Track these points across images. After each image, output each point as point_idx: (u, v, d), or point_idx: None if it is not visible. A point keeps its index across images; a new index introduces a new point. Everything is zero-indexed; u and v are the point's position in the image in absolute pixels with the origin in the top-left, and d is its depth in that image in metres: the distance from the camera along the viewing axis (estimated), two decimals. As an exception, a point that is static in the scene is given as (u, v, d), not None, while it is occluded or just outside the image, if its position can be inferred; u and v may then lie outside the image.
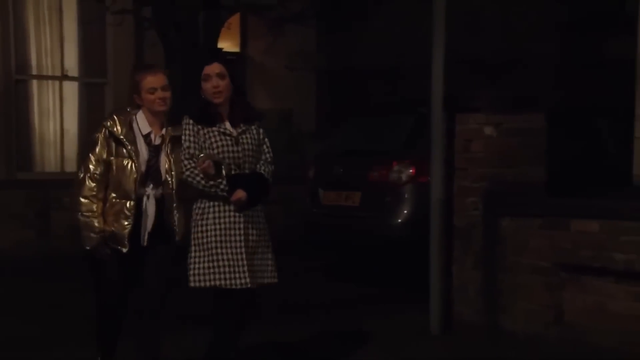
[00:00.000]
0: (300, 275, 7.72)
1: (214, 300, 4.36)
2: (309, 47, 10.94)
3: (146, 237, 4.37)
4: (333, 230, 7.39)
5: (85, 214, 4.34)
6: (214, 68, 4.35)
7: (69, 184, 10.77)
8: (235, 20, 11.10)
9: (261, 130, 4.50)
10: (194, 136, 4.37)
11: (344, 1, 10.74)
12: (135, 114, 4.44)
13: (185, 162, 4.35)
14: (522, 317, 5.50)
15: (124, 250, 4.32)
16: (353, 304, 6.67)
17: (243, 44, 11.35)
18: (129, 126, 4.40)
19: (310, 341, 5.59)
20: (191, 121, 4.39)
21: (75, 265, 8.40)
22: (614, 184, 6.30)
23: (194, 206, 4.40)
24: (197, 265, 4.32)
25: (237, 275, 4.28)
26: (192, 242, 4.34)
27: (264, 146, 4.50)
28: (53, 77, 10.14)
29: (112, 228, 4.34)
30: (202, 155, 4.31)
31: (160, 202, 4.41)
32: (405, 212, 6.96)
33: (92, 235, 4.33)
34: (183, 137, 4.38)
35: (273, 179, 4.46)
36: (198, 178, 4.31)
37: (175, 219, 4.42)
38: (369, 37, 10.75)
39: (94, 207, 4.35)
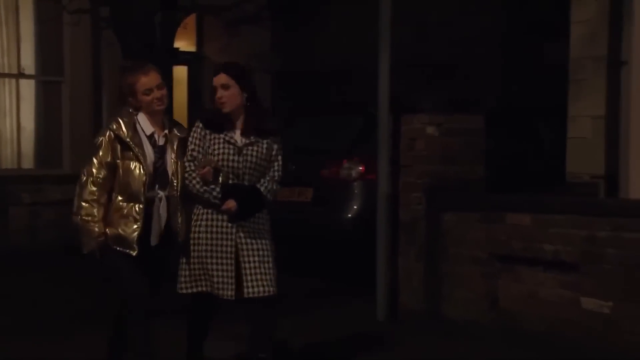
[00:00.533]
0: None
1: (191, 301, 4.50)
2: (264, 47, 11.33)
3: (157, 237, 4.35)
4: (286, 224, 7.81)
5: (84, 217, 4.33)
6: (219, 79, 4.42)
7: (26, 180, 11.01)
8: (191, 20, 11.45)
9: (275, 147, 4.52)
10: (199, 140, 4.44)
11: (298, 3, 11.15)
12: (137, 115, 4.43)
13: (186, 164, 4.42)
14: (461, 304, 5.98)
15: (133, 253, 4.30)
16: (303, 295, 7.10)
17: (199, 43, 11.70)
18: (133, 128, 4.39)
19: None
20: (200, 125, 4.47)
21: (33, 261, 8.72)
22: (549, 181, 6.84)
23: (193, 212, 4.46)
24: (185, 272, 4.43)
25: (222, 286, 4.35)
26: (183, 248, 4.43)
27: (275, 163, 4.53)
28: (10, 75, 10.39)
29: (120, 232, 4.33)
30: (202, 160, 4.38)
31: (167, 202, 4.41)
32: (355, 207, 7.40)
33: (91, 240, 4.32)
34: (189, 140, 4.45)
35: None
36: (194, 182, 4.39)
37: (179, 220, 4.43)
38: (323, 39, 11.18)
39: (95, 211, 4.33)
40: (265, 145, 4.47)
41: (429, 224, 6.16)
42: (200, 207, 4.44)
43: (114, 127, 4.37)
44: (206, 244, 4.39)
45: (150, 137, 4.41)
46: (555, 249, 5.45)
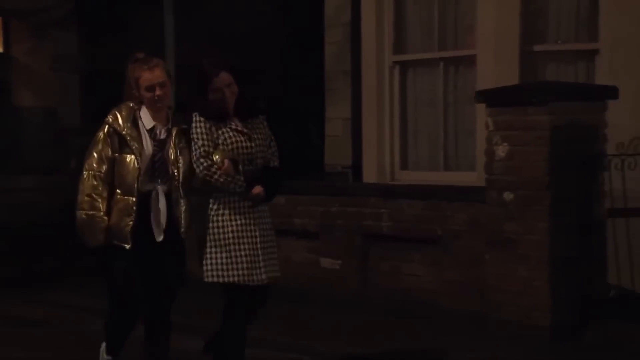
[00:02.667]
0: (68, 251, 9.66)
1: (224, 295, 4.67)
2: (72, 50, 12.76)
3: (161, 233, 4.50)
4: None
5: (88, 212, 4.46)
6: (224, 80, 4.63)
7: None
8: (-3, 23, 12.72)
9: (265, 124, 4.80)
10: (207, 134, 4.60)
11: (104, 9, 12.68)
12: (139, 109, 4.56)
13: (202, 160, 4.55)
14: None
15: (127, 247, 4.43)
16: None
17: (6, 45, 12.96)
18: (132, 122, 4.51)
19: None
20: (202, 118, 4.62)
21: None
22: (314, 170, 8.85)
23: (210, 202, 4.63)
24: (213, 261, 4.59)
25: (254, 271, 4.60)
26: (208, 238, 4.59)
27: (271, 140, 4.81)
28: None
29: (116, 225, 4.46)
30: (217, 155, 4.56)
31: (167, 196, 4.55)
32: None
33: (96, 234, 4.47)
34: (194, 135, 4.59)
35: None
36: (216, 176, 4.56)
37: (181, 212, 4.56)
38: (130, 42, 12.80)
39: (99, 205, 4.47)
40: (261, 125, 4.77)
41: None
42: (220, 197, 4.61)
43: (111, 120, 4.52)
44: (232, 232, 4.60)
45: (151, 131, 4.55)
46: (302, 222, 7.46)
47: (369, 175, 8.04)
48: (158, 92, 4.50)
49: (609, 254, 5.98)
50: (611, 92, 5.99)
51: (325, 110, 8.72)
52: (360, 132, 8.31)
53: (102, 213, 4.46)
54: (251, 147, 4.64)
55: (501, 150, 5.93)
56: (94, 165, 4.50)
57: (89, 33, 13.15)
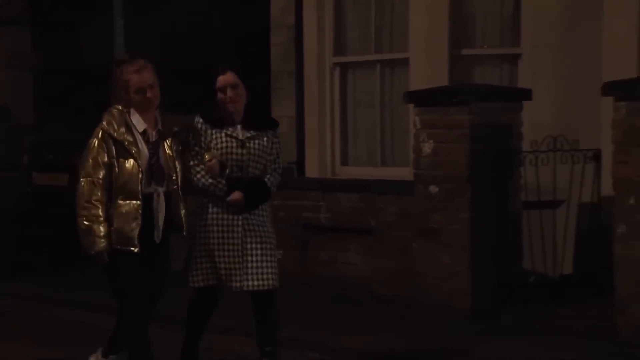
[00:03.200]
0: (22, 242, 10.14)
1: (196, 296, 4.83)
2: (25, 48, 13.18)
3: (160, 233, 4.58)
4: (45, 204, 9.91)
5: (90, 218, 4.47)
6: (228, 79, 4.71)
7: None
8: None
9: (276, 140, 4.85)
10: (202, 136, 4.71)
11: (58, 8, 13.10)
12: (129, 112, 4.61)
13: (191, 159, 4.69)
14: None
15: (135, 250, 4.49)
16: (61, 263, 9.26)
17: (-43, 42, 13.35)
18: (125, 126, 4.56)
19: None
20: (201, 120, 4.75)
21: None
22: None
23: (196, 204, 4.74)
24: (196, 266, 4.72)
25: (232, 277, 4.66)
26: (192, 242, 4.71)
27: (276, 155, 4.85)
28: None
29: (121, 230, 4.48)
30: (207, 155, 4.66)
31: (166, 198, 4.62)
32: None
33: (97, 239, 4.47)
34: (190, 135, 4.72)
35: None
36: (199, 176, 4.68)
37: (182, 214, 4.66)
38: (82, 41, 13.23)
39: (99, 211, 4.48)
40: (266, 139, 4.80)
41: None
42: (205, 201, 4.72)
43: (107, 127, 4.58)
44: (213, 237, 4.68)
45: (144, 134, 4.61)
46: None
47: (311, 170, 8.60)
48: (148, 94, 4.55)
49: (525, 243, 6.62)
50: (526, 94, 6.63)
51: (272, 109, 9.27)
52: (304, 130, 8.86)
53: (102, 219, 4.47)
54: (241, 155, 4.70)
55: (427, 147, 6.54)
56: (91, 171, 4.53)
57: (42, 32, 13.57)
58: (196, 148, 4.70)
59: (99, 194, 4.48)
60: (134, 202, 4.49)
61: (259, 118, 4.84)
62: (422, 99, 6.60)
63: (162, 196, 4.57)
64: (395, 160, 8.18)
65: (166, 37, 11.11)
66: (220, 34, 11.38)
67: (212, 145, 4.69)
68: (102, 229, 4.45)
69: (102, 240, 4.46)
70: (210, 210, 4.70)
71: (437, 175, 6.49)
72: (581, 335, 5.78)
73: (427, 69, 7.62)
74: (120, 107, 4.60)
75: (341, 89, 8.49)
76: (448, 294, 6.45)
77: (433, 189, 6.52)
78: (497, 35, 7.70)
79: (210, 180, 4.66)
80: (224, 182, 4.65)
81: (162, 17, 11.37)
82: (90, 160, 4.54)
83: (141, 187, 4.50)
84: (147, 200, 4.54)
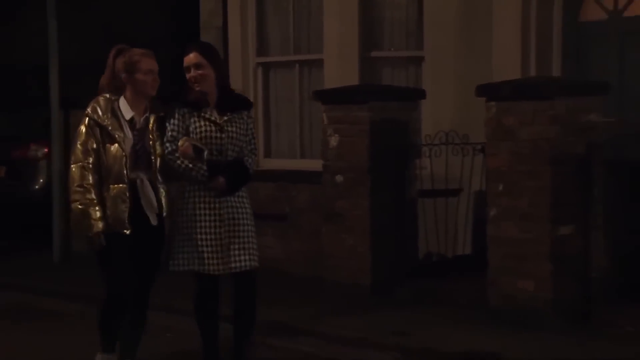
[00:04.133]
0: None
1: (194, 283, 5.05)
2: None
3: (155, 217, 4.83)
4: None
5: (83, 202, 4.71)
6: (191, 59, 4.89)
7: None
8: None
9: (250, 120, 5.07)
10: (179, 119, 4.86)
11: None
12: (117, 100, 4.84)
13: (167, 144, 4.85)
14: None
15: (127, 232, 4.73)
16: None
17: None
18: (111, 112, 4.79)
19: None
20: (177, 104, 4.92)
21: None
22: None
23: (178, 190, 4.95)
24: (176, 250, 4.93)
25: (212, 261, 4.87)
26: (174, 227, 4.92)
27: (251, 136, 5.09)
28: None
29: (112, 213, 4.73)
30: (182, 141, 4.82)
31: (151, 182, 4.86)
32: (41, 180, 10.50)
33: (94, 222, 4.70)
34: (168, 120, 4.88)
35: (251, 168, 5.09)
36: (179, 161, 4.84)
37: (161, 198, 4.88)
38: (22, 37, 13.99)
39: (92, 195, 4.72)
40: (241, 120, 5.01)
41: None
42: (187, 185, 4.93)
43: (91, 113, 4.86)
44: (195, 221, 4.89)
45: (131, 121, 4.85)
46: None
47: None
48: (155, 78, 4.83)
49: (422, 226, 7.65)
50: (420, 94, 7.68)
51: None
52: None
53: (96, 201, 4.72)
54: (221, 138, 4.90)
55: (333, 141, 7.54)
56: (80, 156, 4.79)
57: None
58: (174, 133, 4.88)
59: (90, 178, 4.73)
60: (121, 185, 4.75)
61: (232, 99, 5.02)
62: (328, 97, 7.60)
63: (145, 182, 4.81)
64: (313, 153, 9.15)
65: (102, 35, 11.97)
66: (155, 33, 12.29)
67: (191, 129, 4.88)
68: (97, 211, 4.71)
69: (99, 222, 4.72)
70: (192, 194, 4.92)
71: (341, 166, 7.49)
72: (460, 306, 6.83)
73: (340, 69, 8.62)
74: (107, 95, 4.88)
75: (264, 87, 9.46)
76: (352, 272, 7.46)
77: (338, 178, 7.52)
78: (402, 39, 8.73)
79: (191, 165, 4.85)
80: (205, 167, 4.86)
81: (98, 16, 12.24)
82: (80, 146, 4.81)
83: (126, 171, 4.75)
84: (132, 186, 4.80)
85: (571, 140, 6.23)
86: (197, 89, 4.90)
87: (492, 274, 6.55)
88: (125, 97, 4.87)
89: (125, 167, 4.78)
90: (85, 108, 9.63)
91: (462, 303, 6.88)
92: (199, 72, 4.89)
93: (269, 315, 6.43)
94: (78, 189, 4.77)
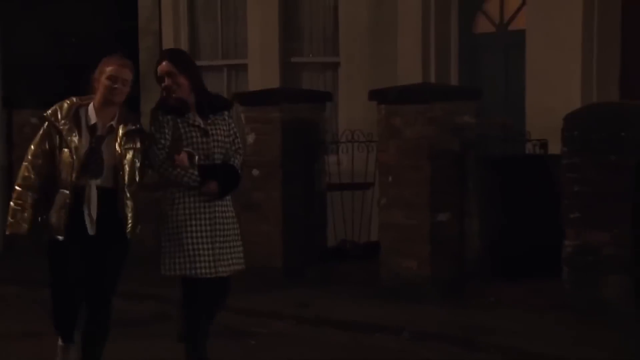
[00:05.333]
0: None
1: (182, 287, 5.17)
2: None
3: (94, 226, 4.86)
4: None
5: (17, 201, 4.86)
6: (164, 68, 5.05)
7: None
8: None
9: (231, 120, 5.25)
10: (164, 127, 5.00)
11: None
12: (86, 105, 4.95)
13: (157, 152, 4.98)
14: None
15: (61, 238, 4.81)
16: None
17: None
18: (73, 117, 4.88)
19: None
20: (160, 112, 5.04)
21: None
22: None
23: (165, 196, 5.05)
24: (167, 255, 5.05)
25: (202, 265, 5.03)
26: (163, 232, 5.04)
27: (235, 136, 5.25)
28: None
29: (52, 218, 4.83)
30: (171, 146, 4.96)
31: (110, 194, 4.91)
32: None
33: (20, 223, 4.86)
34: (152, 128, 4.99)
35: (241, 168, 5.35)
36: (170, 169, 4.98)
37: (127, 213, 4.94)
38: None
39: (28, 197, 4.85)
40: (223, 122, 5.19)
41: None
42: (175, 191, 5.06)
43: (49, 115, 4.97)
44: (185, 226, 5.03)
45: (92, 128, 4.94)
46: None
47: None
48: (117, 85, 4.90)
49: (340, 216, 8.88)
50: (327, 96, 8.94)
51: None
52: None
53: (28, 204, 4.86)
54: (207, 143, 5.08)
55: (250, 138, 8.76)
56: (29, 157, 4.97)
57: None
58: (162, 141, 5.02)
59: (32, 179, 4.89)
60: (65, 191, 4.86)
61: (211, 102, 5.18)
62: (245, 100, 8.83)
63: (93, 189, 4.88)
64: (239, 150, 10.38)
65: (46, 36, 13.10)
66: (100, 34, 13.47)
67: (176, 136, 5.04)
68: (25, 214, 4.87)
69: (24, 223, 4.88)
70: (181, 200, 5.06)
71: (258, 160, 8.71)
72: (358, 284, 8.08)
73: (262, 74, 9.87)
74: (75, 99, 5.01)
75: (195, 89, 10.67)
76: (266, 256, 8.67)
77: (255, 172, 8.73)
78: (320, 46, 10.00)
79: (182, 171, 5.01)
80: (196, 172, 5.03)
81: (42, 16, 13.37)
82: (32, 147, 5.00)
83: (71, 178, 4.83)
84: (79, 192, 4.87)
85: (447, 139, 7.52)
86: (174, 96, 5.07)
87: (383, 255, 7.83)
88: (94, 103, 5.01)
89: (71, 173, 4.88)
90: (26, 107, 10.93)
91: (360, 281, 8.14)
92: (173, 80, 5.06)
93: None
94: (17, 187, 5.00)
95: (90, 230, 4.89)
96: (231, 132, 5.27)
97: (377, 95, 7.83)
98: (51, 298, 5.14)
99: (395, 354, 6.45)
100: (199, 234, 5.06)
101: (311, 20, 9.96)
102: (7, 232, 5.00)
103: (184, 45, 10.64)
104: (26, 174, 4.95)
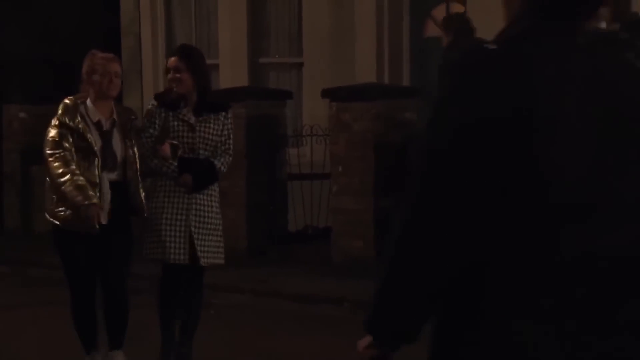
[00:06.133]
0: None
1: (161, 271, 5.56)
2: None
3: (106, 217, 5.08)
4: None
5: (74, 181, 4.98)
6: (171, 62, 5.37)
7: None
8: None
9: (228, 121, 5.53)
10: (156, 118, 5.29)
11: None
12: (84, 103, 5.14)
13: (144, 140, 5.26)
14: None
15: (94, 232, 5.03)
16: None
17: None
18: (80, 116, 5.08)
19: None
20: (155, 103, 5.37)
21: None
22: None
23: (150, 184, 5.41)
24: (146, 239, 5.40)
25: (173, 251, 5.32)
26: (146, 219, 5.36)
27: (227, 137, 5.52)
28: None
29: (76, 212, 5.02)
30: (159, 137, 5.25)
31: (121, 184, 5.19)
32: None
33: (90, 194, 5.00)
34: (145, 118, 5.34)
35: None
36: (152, 157, 5.27)
37: (142, 197, 5.28)
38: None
39: (79, 176, 4.99)
40: (217, 122, 5.47)
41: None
42: (158, 180, 5.41)
43: (62, 116, 5.13)
44: (162, 213, 5.35)
45: (97, 124, 5.17)
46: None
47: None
48: (112, 79, 5.15)
49: (307, 203, 9.90)
50: (289, 94, 9.97)
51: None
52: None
53: (83, 179, 5.04)
54: (192, 138, 5.37)
55: (218, 132, 9.79)
56: (56, 147, 5.07)
57: None
58: (150, 130, 5.34)
59: (72, 164, 5.05)
60: (93, 186, 5.08)
61: (208, 103, 5.48)
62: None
63: (106, 182, 5.15)
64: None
65: (34, 33, 14.09)
66: (89, 32, 14.47)
67: (165, 128, 5.34)
68: (87, 186, 5.03)
69: (93, 193, 5.06)
70: (162, 188, 5.41)
71: (225, 152, 9.74)
72: (314, 263, 9.13)
73: (232, 73, 10.90)
74: (72, 98, 5.23)
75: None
76: (232, 239, 9.67)
77: (222, 162, 9.77)
78: (286, 47, 11.03)
79: (162, 162, 5.33)
80: (175, 164, 5.32)
81: (31, 14, 14.37)
82: (53, 143, 5.10)
83: (98, 174, 5.11)
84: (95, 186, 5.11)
85: (390, 133, 8.56)
86: (174, 90, 5.39)
87: (334, 237, 8.87)
88: (90, 99, 5.22)
89: (98, 169, 5.14)
90: (15, 102, 11.92)
91: (315, 261, 9.19)
92: (177, 75, 5.35)
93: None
94: (63, 172, 5.05)
95: (103, 220, 5.12)
96: (224, 132, 5.56)
97: (329, 94, 8.88)
98: (73, 295, 5.40)
99: (336, 320, 7.50)
100: (172, 222, 5.38)
101: (277, 24, 11.00)
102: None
103: (160, 45, 11.68)
104: (65, 160, 5.05)
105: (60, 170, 5.07)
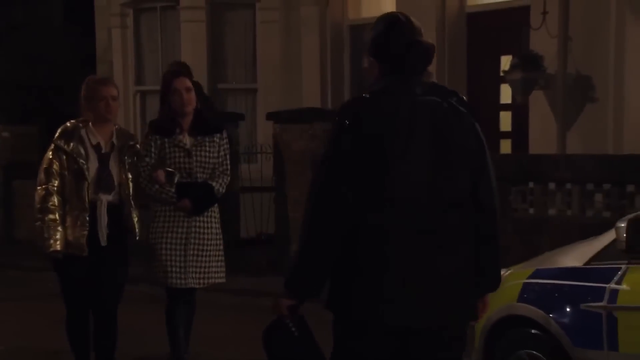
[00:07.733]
0: None
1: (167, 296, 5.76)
2: None
3: (105, 237, 5.25)
4: None
5: (46, 222, 5.17)
6: (183, 82, 5.44)
7: None
8: None
9: (223, 142, 5.63)
10: (152, 146, 5.40)
11: None
12: (86, 126, 5.28)
13: (141, 169, 5.38)
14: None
15: (84, 254, 5.18)
16: None
17: None
18: (78, 139, 5.20)
19: None
20: (151, 131, 5.46)
21: None
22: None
23: (150, 210, 5.53)
24: (153, 264, 5.57)
25: (174, 275, 5.50)
26: (150, 246, 5.54)
27: (224, 158, 5.64)
28: None
29: (70, 236, 5.17)
30: (155, 164, 5.37)
31: (117, 206, 5.31)
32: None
33: (53, 241, 5.16)
34: (143, 147, 5.42)
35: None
36: (150, 185, 5.39)
37: (134, 221, 5.39)
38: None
39: (55, 215, 5.17)
40: (212, 144, 5.59)
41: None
42: (158, 206, 5.55)
43: (57, 140, 5.28)
44: (162, 239, 5.52)
45: (96, 147, 5.31)
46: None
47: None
48: (109, 103, 5.35)
49: (259, 213, 11.30)
50: (241, 117, 11.44)
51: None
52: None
53: (57, 222, 5.26)
54: (189, 163, 5.55)
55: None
56: (44, 179, 5.31)
57: None
58: (147, 159, 5.52)
59: (54, 199, 5.26)
60: (82, 210, 5.29)
61: (203, 125, 5.63)
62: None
63: (104, 204, 5.33)
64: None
65: (22, 59, 15.54)
66: (70, 56, 15.90)
67: (161, 154, 5.53)
68: (57, 232, 5.24)
69: (58, 241, 5.25)
70: (162, 214, 5.62)
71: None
72: (260, 264, 10.55)
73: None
74: (74, 121, 5.45)
75: (141, 111, 13.17)
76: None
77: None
78: (242, 74, 12.53)
79: (160, 189, 5.52)
80: (173, 190, 5.51)
81: (18, 42, 15.82)
82: (45, 171, 5.34)
83: (88, 196, 5.27)
84: (93, 208, 5.31)
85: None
86: (187, 111, 5.57)
87: (277, 242, 10.32)
88: (91, 123, 5.43)
89: (87, 192, 5.31)
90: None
91: (261, 263, 10.62)
92: (190, 96, 5.58)
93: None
94: (41, 210, 5.32)
95: (103, 242, 5.38)
96: (221, 153, 5.77)
97: (272, 117, 10.37)
98: (68, 312, 5.62)
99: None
100: (172, 247, 5.61)
101: (234, 54, 12.48)
102: (47, 252, 5.35)
103: (131, 72, 13.14)
104: (47, 195, 5.34)
105: (39, 206, 5.39)
